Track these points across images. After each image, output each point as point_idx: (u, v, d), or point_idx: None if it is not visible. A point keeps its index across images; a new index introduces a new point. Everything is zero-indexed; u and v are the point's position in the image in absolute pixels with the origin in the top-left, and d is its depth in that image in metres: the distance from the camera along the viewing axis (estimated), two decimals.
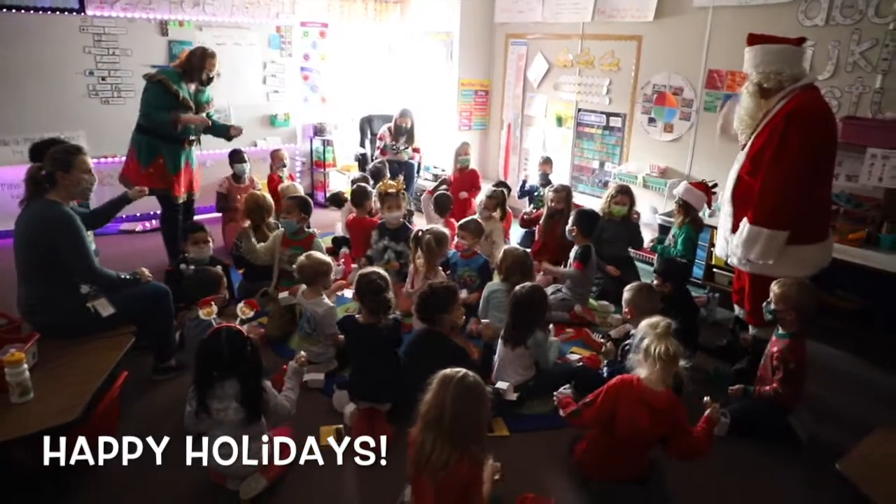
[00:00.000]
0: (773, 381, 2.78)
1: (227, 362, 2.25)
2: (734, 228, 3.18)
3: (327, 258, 3.48)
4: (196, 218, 4.67)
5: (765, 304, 2.89)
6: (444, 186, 5.37)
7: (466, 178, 5.53)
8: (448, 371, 1.97)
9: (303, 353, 2.72)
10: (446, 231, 3.81)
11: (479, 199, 4.80)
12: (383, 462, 2.48)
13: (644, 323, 2.37)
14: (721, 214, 3.39)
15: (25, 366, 2.25)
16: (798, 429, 2.77)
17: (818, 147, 2.91)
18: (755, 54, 3.01)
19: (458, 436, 1.89)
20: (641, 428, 2.25)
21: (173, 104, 4.10)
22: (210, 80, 4.30)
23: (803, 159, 2.86)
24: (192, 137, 4.33)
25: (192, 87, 4.28)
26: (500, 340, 3.09)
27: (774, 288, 2.83)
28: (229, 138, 4.55)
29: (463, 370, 1.97)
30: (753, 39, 3.03)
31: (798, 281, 2.83)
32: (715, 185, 4.02)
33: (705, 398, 2.44)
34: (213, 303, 2.76)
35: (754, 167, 3.03)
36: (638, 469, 2.39)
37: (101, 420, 2.49)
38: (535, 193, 5.45)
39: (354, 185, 4.88)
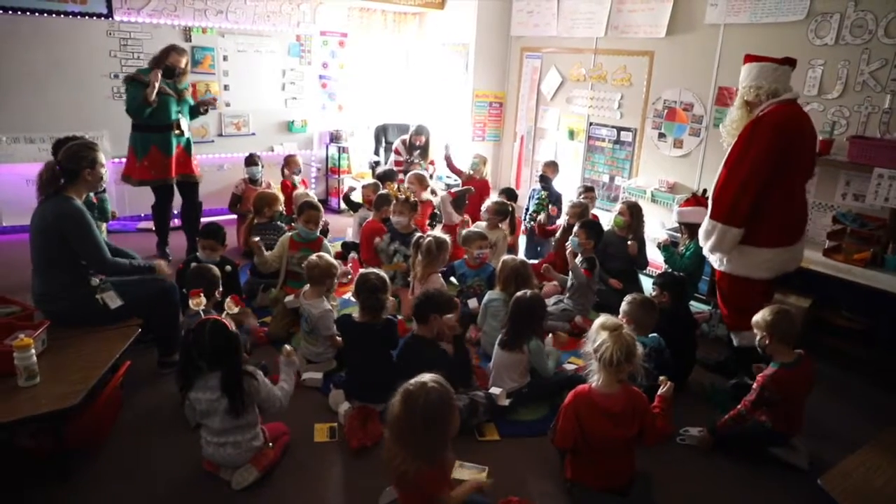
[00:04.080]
0: (743, 401, 2.76)
1: (209, 353, 2.33)
2: None
3: (336, 262, 3.54)
4: (211, 219, 4.82)
5: (757, 340, 2.86)
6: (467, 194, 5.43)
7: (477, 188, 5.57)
8: (412, 388, 1.91)
9: (287, 346, 2.75)
10: (447, 238, 3.87)
11: (486, 205, 4.83)
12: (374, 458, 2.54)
13: (596, 323, 2.38)
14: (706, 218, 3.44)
15: (33, 351, 2.35)
16: (789, 457, 2.74)
17: (778, 153, 3.00)
18: (743, 71, 3.21)
19: (424, 449, 1.90)
20: (609, 436, 2.27)
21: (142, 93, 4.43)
22: (175, 73, 4.55)
23: (761, 163, 3.01)
24: (176, 120, 4.60)
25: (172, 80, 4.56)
26: (496, 345, 3.13)
27: (755, 318, 2.83)
28: (205, 111, 4.90)
29: (428, 384, 1.91)
30: (748, 59, 3.20)
31: (773, 308, 2.82)
32: (705, 192, 4.04)
33: (660, 378, 2.52)
34: (201, 293, 2.83)
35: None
36: (627, 473, 2.42)
37: (104, 408, 2.59)
38: (537, 196, 5.46)
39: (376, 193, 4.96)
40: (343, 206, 6.11)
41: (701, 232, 3.34)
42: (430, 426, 1.87)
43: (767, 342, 2.73)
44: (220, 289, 3.12)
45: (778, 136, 2.99)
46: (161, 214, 4.90)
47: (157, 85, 4.35)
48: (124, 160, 5.47)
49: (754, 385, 2.74)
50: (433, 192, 5.50)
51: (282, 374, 2.62)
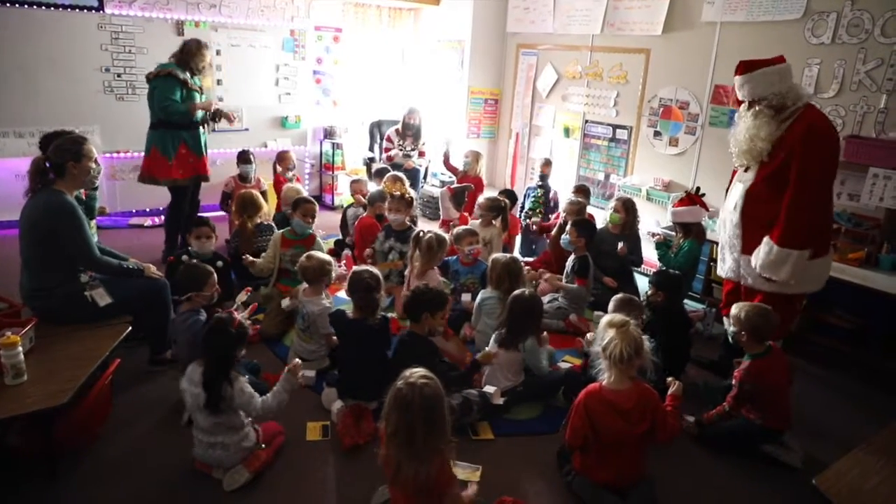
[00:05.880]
0: (727, 398, 2.80)
1: (204, 343, 2.31)
2: (744, 249, 3.18)
3: (329, 258, 3.50)
4: (201, 214, 4.75)
5: (727, 328, 2.90)
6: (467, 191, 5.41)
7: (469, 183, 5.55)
8: (403, 389, 1.87)
9: (297, 359, 2.64)
10: (446, 236, 3.85)
11: (479, 200, 4.80)
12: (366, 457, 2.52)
13: (603, 321, 2.37)
14: (724, 235, 3.35)
15: (20, 348, 2.31)
16: (782, 456, 2.73)
17: (835, 166, 2.98)
18: (762, 79, 2.98)
19: (431, 447, 1.87)
20: (621, 433, 2.26)
21: (182, 91, 4.47)
22: (201, 70, 4.58)
23: (828, 179, 2.94)
24: (203, 119, 4.68)
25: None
26: (492, 343, 3.11)
27: (732, 310, 2.85)
28: (218, 120, 4.84)
29: (417, 381, 1.87)
30: (747, 66, 3.02)
31: (750, 304, 2.84)
32: (698, 190, 4.04)
33: (668, 378, 2.54)
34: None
35: (769, 187, 3.04)
36: (635, 472, 2.40)
37: (94, 406, 2.55)
38: (533, 194, 5.46)
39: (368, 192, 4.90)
40: (337, 202, 6.09)
41: (765, 262, 3.03)
42: (431, 422, 1.85)
43: (743, 336, 2.78)
44: (214, 289, 3.05)
45: (836, 149, 2.94)
46: (178, 215, 4.72)
47: (205, 109, 4.54)
48: (115, 155, 5.50)
49: (734, 381, 2.78)
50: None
51: (276, 386, 2.50)
